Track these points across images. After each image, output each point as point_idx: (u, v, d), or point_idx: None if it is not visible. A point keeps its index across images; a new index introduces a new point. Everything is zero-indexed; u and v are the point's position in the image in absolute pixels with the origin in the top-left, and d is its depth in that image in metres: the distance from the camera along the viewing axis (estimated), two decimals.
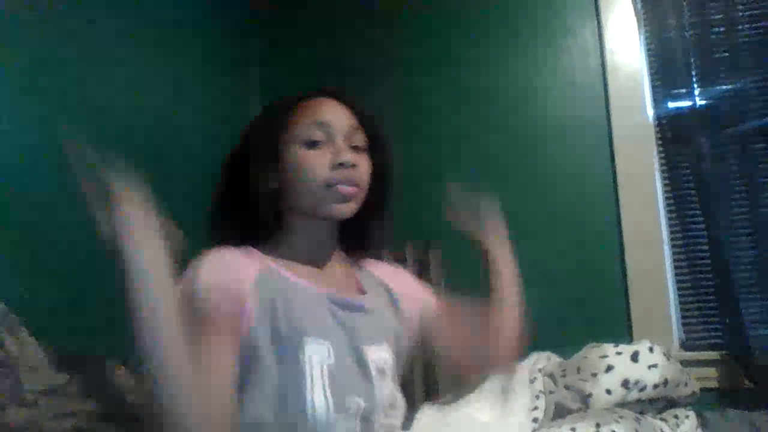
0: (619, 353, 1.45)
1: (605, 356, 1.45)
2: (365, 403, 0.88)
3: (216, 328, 0.83)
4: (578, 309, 1.87)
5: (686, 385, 1.49)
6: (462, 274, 1.89)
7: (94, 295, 1.29)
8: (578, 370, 1.46)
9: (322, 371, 0.85)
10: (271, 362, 0.85)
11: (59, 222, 1.23)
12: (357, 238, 1.04)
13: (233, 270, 0.88)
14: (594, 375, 1.43)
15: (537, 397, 1.45)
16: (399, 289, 1.07)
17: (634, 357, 1.43)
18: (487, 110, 2.04)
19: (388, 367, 0.96)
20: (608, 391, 1.40)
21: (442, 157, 2.03)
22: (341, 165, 0.92)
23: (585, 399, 1.41)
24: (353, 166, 0.94)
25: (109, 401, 0.81)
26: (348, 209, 0.95)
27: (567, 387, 1.45)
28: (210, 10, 1.93)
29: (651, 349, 1.45)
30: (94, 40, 1.38)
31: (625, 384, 1.40)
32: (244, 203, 0.96)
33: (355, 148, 0.96)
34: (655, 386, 1.42)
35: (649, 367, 1.42)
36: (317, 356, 0.86)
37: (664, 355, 1.46)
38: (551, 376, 1.51)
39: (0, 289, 0.98)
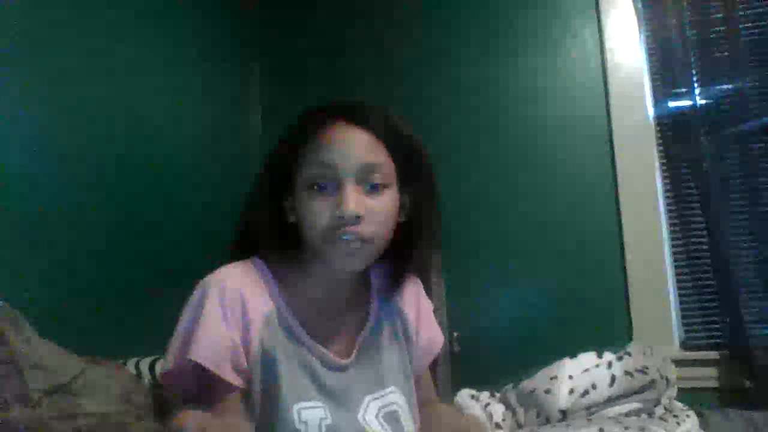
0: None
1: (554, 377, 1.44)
2: None
3: (230, 393, 0.81)
4: (578, 309, 1.88)
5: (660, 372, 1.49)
6: (462, 274, 1.90)
7: (99, 295, 1.30)
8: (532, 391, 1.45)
9: (320, 429, 0.82)
10: (265, 419, 0.82)
11: (62, 221, 1.23)
12: (391, 263, 0.95)
13: (239, 318, 0.82)
14: (547, 392, 1.41)
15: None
16: (418, 324, 1.01)
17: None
18: (488, 110, 2.05)
19: (401, 408, 0.92)
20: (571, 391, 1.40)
21: (442, 158, 2.01)
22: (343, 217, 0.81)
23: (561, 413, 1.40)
24: (358, 217, 0.81)
25: (113, 401, 0.81)
26: (354, 264, 0.85)
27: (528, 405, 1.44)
28: (210, 12, 1.93)
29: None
30: (93, 43, 1.38)
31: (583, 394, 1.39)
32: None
33: (373, 187, 0.84)
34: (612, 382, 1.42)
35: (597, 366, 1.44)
36: (314, 418, 0.82)
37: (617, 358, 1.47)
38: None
39: (4, 287, 0.98)
